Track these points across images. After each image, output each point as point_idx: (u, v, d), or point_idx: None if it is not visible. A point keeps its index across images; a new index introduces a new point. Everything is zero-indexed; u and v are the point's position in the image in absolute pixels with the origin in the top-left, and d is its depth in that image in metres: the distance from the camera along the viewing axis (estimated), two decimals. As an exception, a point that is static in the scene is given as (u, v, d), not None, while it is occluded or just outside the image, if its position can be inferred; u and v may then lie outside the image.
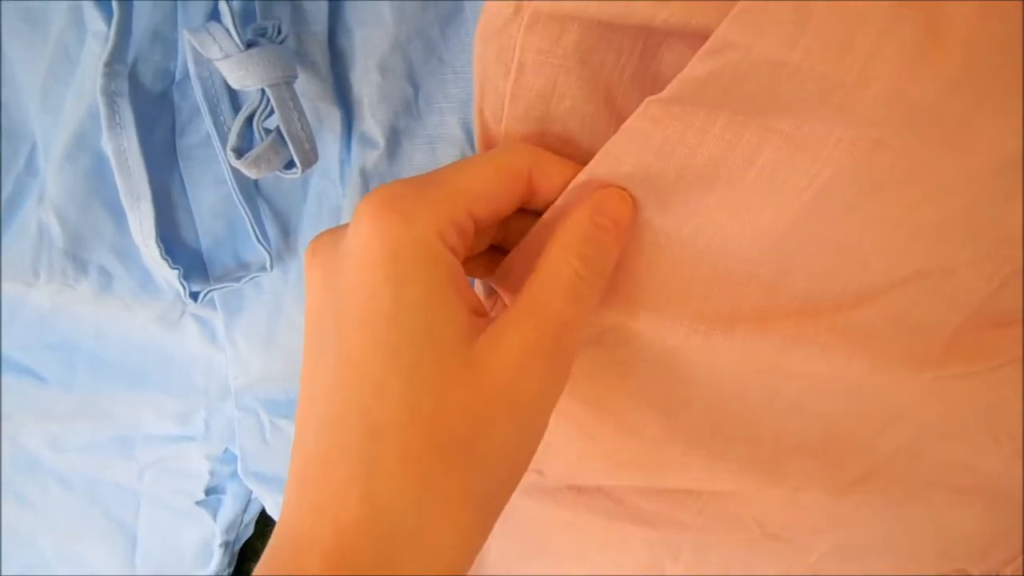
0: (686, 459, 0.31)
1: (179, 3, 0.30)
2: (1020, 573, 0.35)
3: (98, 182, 0.32)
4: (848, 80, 0.19)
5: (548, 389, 0.22)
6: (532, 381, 0.21)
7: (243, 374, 0.38)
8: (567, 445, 0.32)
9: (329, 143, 0.31)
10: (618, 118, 0.23)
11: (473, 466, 0.20)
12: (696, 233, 0.24)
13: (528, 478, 0.33)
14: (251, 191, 0.32)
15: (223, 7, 0.26)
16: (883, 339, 0.26)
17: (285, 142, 0.28)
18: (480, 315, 0.22)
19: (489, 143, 0.25)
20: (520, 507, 0.36)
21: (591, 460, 0.32)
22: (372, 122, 0.30)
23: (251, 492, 0.46)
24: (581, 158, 0.24)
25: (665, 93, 0.21)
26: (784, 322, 0.25)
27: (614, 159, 0.22)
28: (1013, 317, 0.27)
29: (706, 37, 0.20)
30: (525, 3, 0.22)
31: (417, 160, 0.31)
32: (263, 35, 0.27)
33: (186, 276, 0.33)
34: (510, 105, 0.23)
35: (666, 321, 0.26)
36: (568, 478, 0.34)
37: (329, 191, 0.32)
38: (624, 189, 0.23)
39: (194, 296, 0.33)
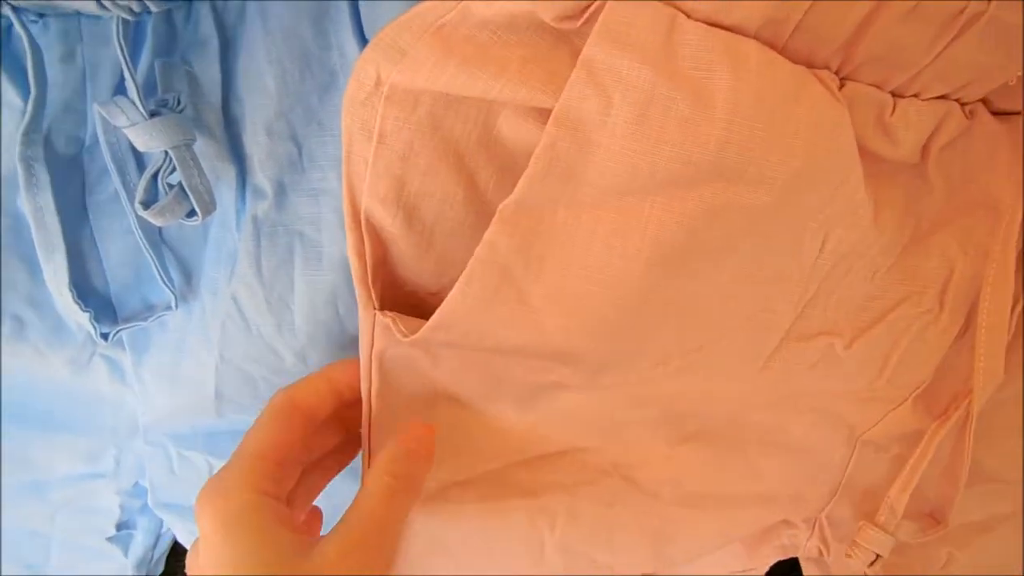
0: (548, 436, 0.36)
1: (88, 79, 0.34)
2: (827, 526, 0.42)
3: (14, 238, 0.36)
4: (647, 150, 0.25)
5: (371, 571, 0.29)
6: (355, 569, 0.28)
7: (151, 410, 0.42)
8: (447, 449, 0.36)
9: (225, 195, 0.36)
10: (468, 177, 0.29)
11: None
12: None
13: None
14: (156, 239, 0.37)
15: (129, 82, 0.31)
16: (714, 368, 0.33)
17: (187, 195, 0.32)
18: (305, 533, 0.30)
19: (353, 200, 0.30)
20: (412, 531, 0.38)
21: (470, 455, 0.36)
22: (262, 176, 0.35)
23: (161, 526, 0.49)
24: (434, 211, 0.29)
25: (512, 197, 0.27)
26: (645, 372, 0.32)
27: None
28: (815, 332, 0.33)
29: (536, 109, 0.26)
30: (384, 78, 0.28)
31: (302, 210, 0.36)
32: (165, 105, 0.32)
33: (96, 319, 0.36)
34: (372, 165, 0.28)
35: None
36: (453, 476, 0.37)
37: (226, 238, 0.37)
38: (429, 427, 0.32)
39: (104, 336, 0.37)
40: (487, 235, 0.28)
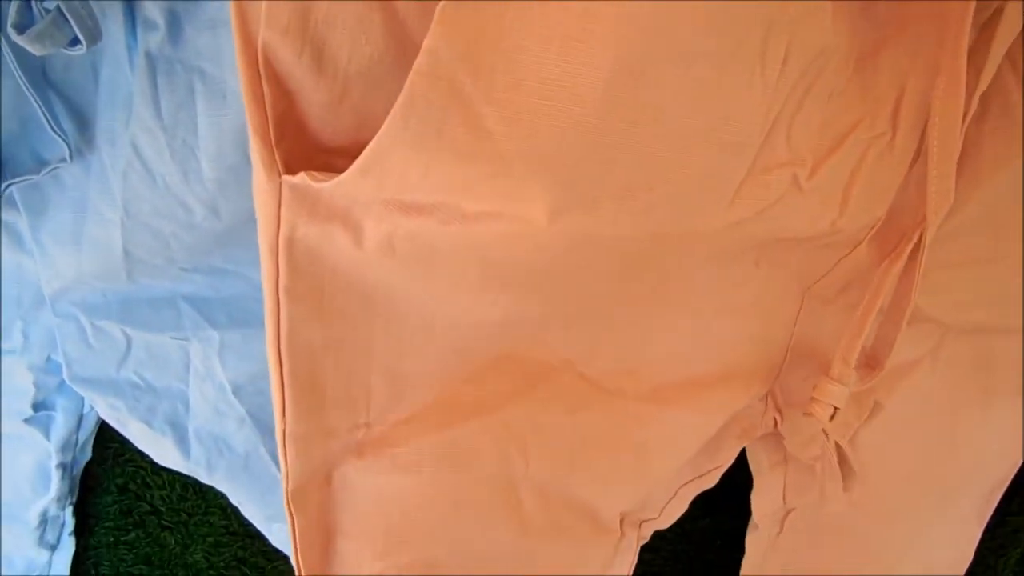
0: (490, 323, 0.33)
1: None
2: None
3: None
4: None
5: None
6: None
7: (56, 278, 0.40)
8: (383, 385, 0.33)
9: (114, 32, 0.33)
10: None
11: None
12: None
13: (356, 438, 0.34)
14: (39, 80, 0.34)
15: None
16: (681, 204, 0.30)
17: (66, 19, 0.29)
18: None
19: (246, 32, 0.25)
20: (361, 484, 0.35)
21: (410, 386, 0.33)
22: (151, 5, 0.32)
23: (83, 406, 0.47)
24: (348, 47, 0.26)
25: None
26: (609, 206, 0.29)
27: None
28: (778, 162, 0.31)
29: None
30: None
31: (201, 44, 0.33)
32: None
33: (-18, 174, 0.34)
34: None
35: None
36: (396, 413, 0.34)
37: (120, 79, 0.34)
38: None
39: (-7, 192, 0.34)
40: (426, 43, 0.24)
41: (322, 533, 0.35)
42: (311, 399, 0.32)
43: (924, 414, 0.43)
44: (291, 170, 0.26)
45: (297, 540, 0.34)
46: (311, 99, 0.26)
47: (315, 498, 0.34)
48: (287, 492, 0.33)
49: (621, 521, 0.44)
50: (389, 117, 0.25)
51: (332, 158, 0.27)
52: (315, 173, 0.26)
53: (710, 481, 0.44)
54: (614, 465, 0.39)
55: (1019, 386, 0.42)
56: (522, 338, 0.35)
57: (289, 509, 0.33)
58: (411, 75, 0.24)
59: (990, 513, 0.49)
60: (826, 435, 0.39)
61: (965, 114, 0.30)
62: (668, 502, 0.45)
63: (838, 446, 0.40)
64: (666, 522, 0.45)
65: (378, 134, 0.25)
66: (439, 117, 0.25)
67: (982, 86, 0.30)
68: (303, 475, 0.33)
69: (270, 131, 0.26)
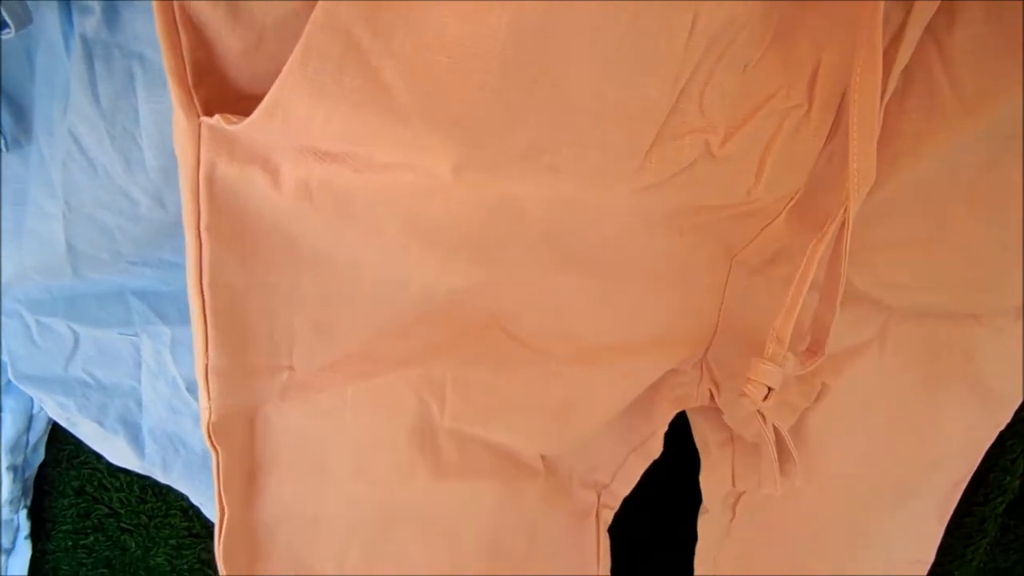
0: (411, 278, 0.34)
1: None
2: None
3: None
4: None
5: None
6: None
7: (-2, 274, 0.38)
8: (308, 332, 0.33)
9: (48, 16, 0.32)
10: None
11: None
12: None
13: (280, 380, 0.34)
14: (-30, 68, 0.33)
15: None
16: (589, 167, 0.31)
17: (-9, 2, 0.28)
18: None
19: None
20: (283, 424, 0.35)
21: (336, 334, 0.34)
22: (86, -12, 0.31)
23: (32, 407, 0.46)
24: None
25: None
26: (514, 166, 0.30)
27: None
28: (690, 129, 0.31)
29: None
30: None
31: (139, 28, 0.32)
32: None
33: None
34: None
35: None
36: (317, 358, 0.34)
37: (56, 66, 0.33)
38: None
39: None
40: None
41: (244, 470, 0.36)
42: (233, 337, 0.32)
43: (873, 400, 0.43)
44: (210, 113, 0.27)
45: (221, 474, 0.34)
46: (228, 46, 0.26)
47: (237, 435, 0.35)
48: (208, 425, 0.33)
49: (556, 470, 0.44)
50: (288, 63, 0.25)
51: (252, 106, 0.27)
52: (229, 116, 0.27)
53: (654, 448, 0.45)
54: (533, 418, 0.39)
55: (969, 378, 0.43)
56: (449, 294, 0.35)
57: (211, 442, 0.33)
58: (308, 24, 0.25)
59: (950, 513, 0.49)
60: (763, 416, 0.39)
61: (884, 90, 0.30)
62: (619, 468, 0.46)
63: (776, 429, 0.40)
64: (621, 488, 0.46)
65: (278, 78, 0.25)
66: (335, 67, 0.25)
67: (900, 63, 0.30)
68: (225, 409, 0.33)
69: (187, 74, 0.26)
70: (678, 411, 0.44)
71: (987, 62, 0.31)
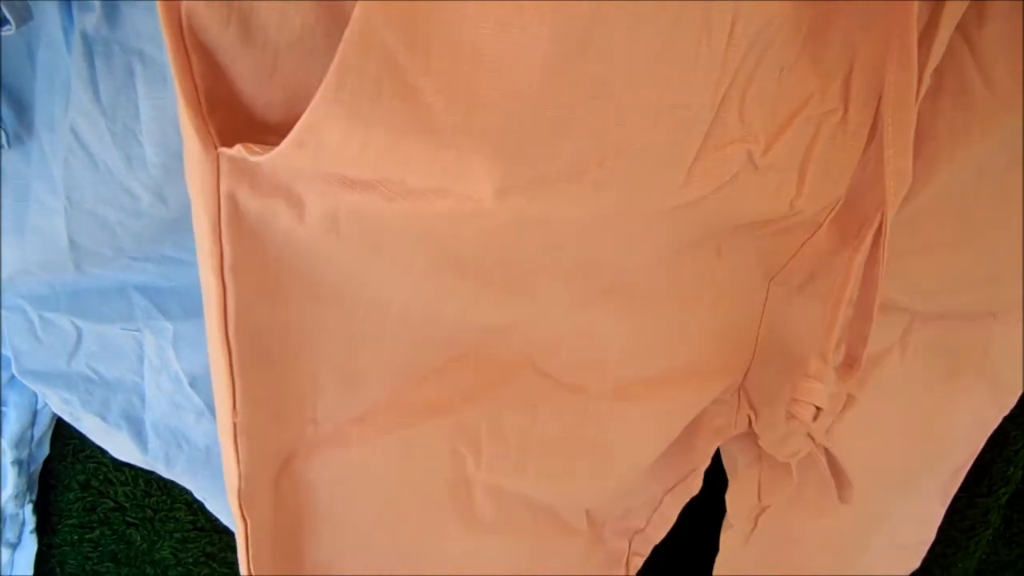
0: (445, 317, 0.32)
1: None
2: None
3: None
4: None
5: None
6: None
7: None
8: (333, 379, 0.32)
9: (49, 12, 0.32)
10: None
11: None
12: None
13: (305, 435, 0.33)
14: (-30, 64, 0.33)
15: None
16: (633, 182, 0.29)
17: (-8, -1, 0.28)
18: None
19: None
20: (309, 483, 0.34)
21: (363, 382, 0.32)
22: (86, -16, 0.31)
23: (36, 402, 0.46)
24: (276, 15, 0.25)
25: None
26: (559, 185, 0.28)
27: None
28: (732, 139, 0.30)
29: None
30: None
31: (139, 24, 0.32)
32: None
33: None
34: None
35: None
36: (344, 410, 0.33)
37: (57, 63, 0.33)
38: None
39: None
40: (357, 9, 0.23)
41: (271, 533, 0.34)
42: (262, 388, 0.30)
43: (892, 402, 0.42)
44: (226, 143, 0.25)
45: (248, 541, 0.33)
46: (241, 72, 0.25)
47: (266, 498, 0.33)
48: (239, 492, 0.31)
49: (594, 522, 0.42)
50: (322, 86, 0.24)
51: (266, 135, 0.26)
52: (251, 146, 0.25)
53: (693, 486, 0.43)
54: (571, 464, 0.37)
55: (983, 370, 0.42)
56: (480, 333, 0.33)
57: (241, 510, 0.32)
58: (342, 43, 0.23)
59: (952, 494, 0.48)
60: (812, 439, 0.37)
61: (919, 90, 0.29)
62: (654, 511, 0.44)
63: (828, 452, 0.38)
64: (656, 533, 0.44)
65: (311, 104, 0.24)
66: (373, 88, 0.24)
67: (933, 61, 0.29)
68: (255, 472, 0.32)
69: (201, 102, 0.25)
70: (719, 443, 0.42)
71: (1017, 55, 0.31)
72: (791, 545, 0.48)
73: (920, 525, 0.50)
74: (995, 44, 0.31)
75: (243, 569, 0.34)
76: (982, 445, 0.46)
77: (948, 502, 0.49)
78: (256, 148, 0.25)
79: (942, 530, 0.50)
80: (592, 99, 0.26)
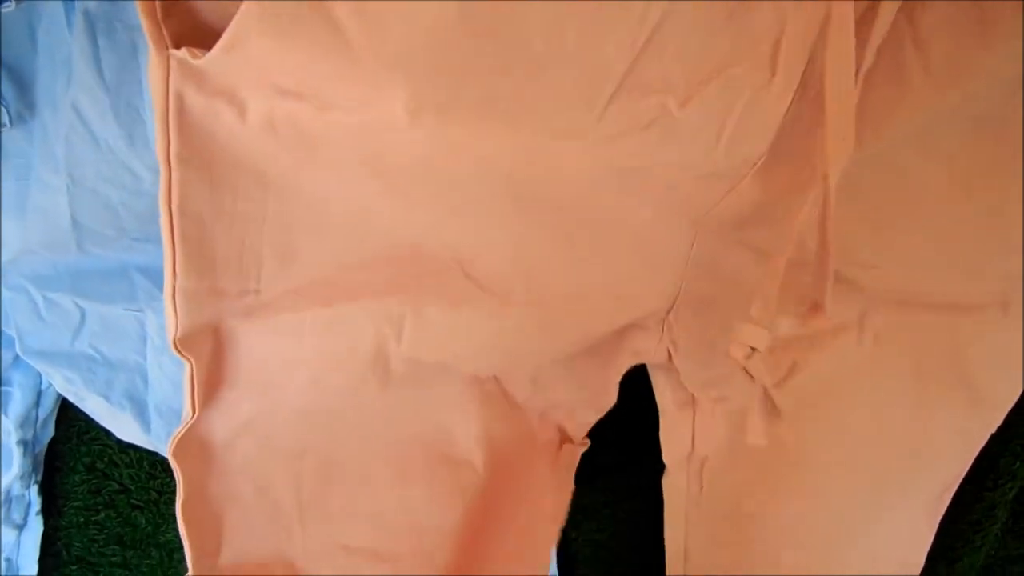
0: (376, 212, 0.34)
1: None
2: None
3: None
4: None
5: None
6: None
7: (3, 249, 0.39)
8: (274, 257, 0.34)
9: (50, -10, 0.32)
10: None
11: None
12: None
13: (245, 301, 0.35)
14: (-28, 41, 0.33)
15: None
16: (545, 114, 0.31)
17: (-9, -27, 0.28)
18: None
19: None
20: (244, 341, 0.36)
21: (302, 262, 0.35)
22: (86, -39, 0.31)
23: (40, 382, 0.46)
24: None
25: None
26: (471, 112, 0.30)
27: None
28: (650, 89, 0.31)
29: None
30: None
31: None
32: None
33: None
34: None
35: None
36: (284, 281, 0.35)
37: (59, 41, 0.33)
38: None
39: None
40: None
41: (210, 381, 0.36)
42: (200, 260, 0.33)
43: (857, 392, 0.43)
44: (179, 47, 0.28)
45: (195, 381, 0.35)
46: None
47: (205, 347, 0.35)
48: (175, 340, 0.34)
49: (512, 398, 0.44)
50: (244, 2, 0.26)
51: (216, 41, 0.28)
52: (194, 50, 0.27)
53: (607, 400, 0.45)
54: (489, 355, 0.40)
55: (956, 375, 0.42)
56: (412, 235, 0.35)
57: (181, 354, 0.34)
58: None
59: (940, 515, 0.48)
60: (750, 375, 0.39)
61: (860, 65, 0.30)
62: (574, 410, 0.47)
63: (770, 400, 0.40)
64: (578, 432, 0.47)
65: (236, 15, 0.26)
66: (291, 8, 0.26)
67: (877, 37, 0.29)
68: (191, 326, 0.34)
69: (156, 9, 0.27)
70: (635, 364, 0.44)
71: (958, 38, 0.31)
72: (749, 523, 0.48)
73: (904, 545, 0.49)
74: (935, 24, 0.31)
75: (187, 408, 0.36)
76: (968, 464, 0.46)
77: (936, 524, 0.48)
78: (198, 52, 0.27)
79: (948, 525, 0.50)
80: (504, 39, 0.28)
